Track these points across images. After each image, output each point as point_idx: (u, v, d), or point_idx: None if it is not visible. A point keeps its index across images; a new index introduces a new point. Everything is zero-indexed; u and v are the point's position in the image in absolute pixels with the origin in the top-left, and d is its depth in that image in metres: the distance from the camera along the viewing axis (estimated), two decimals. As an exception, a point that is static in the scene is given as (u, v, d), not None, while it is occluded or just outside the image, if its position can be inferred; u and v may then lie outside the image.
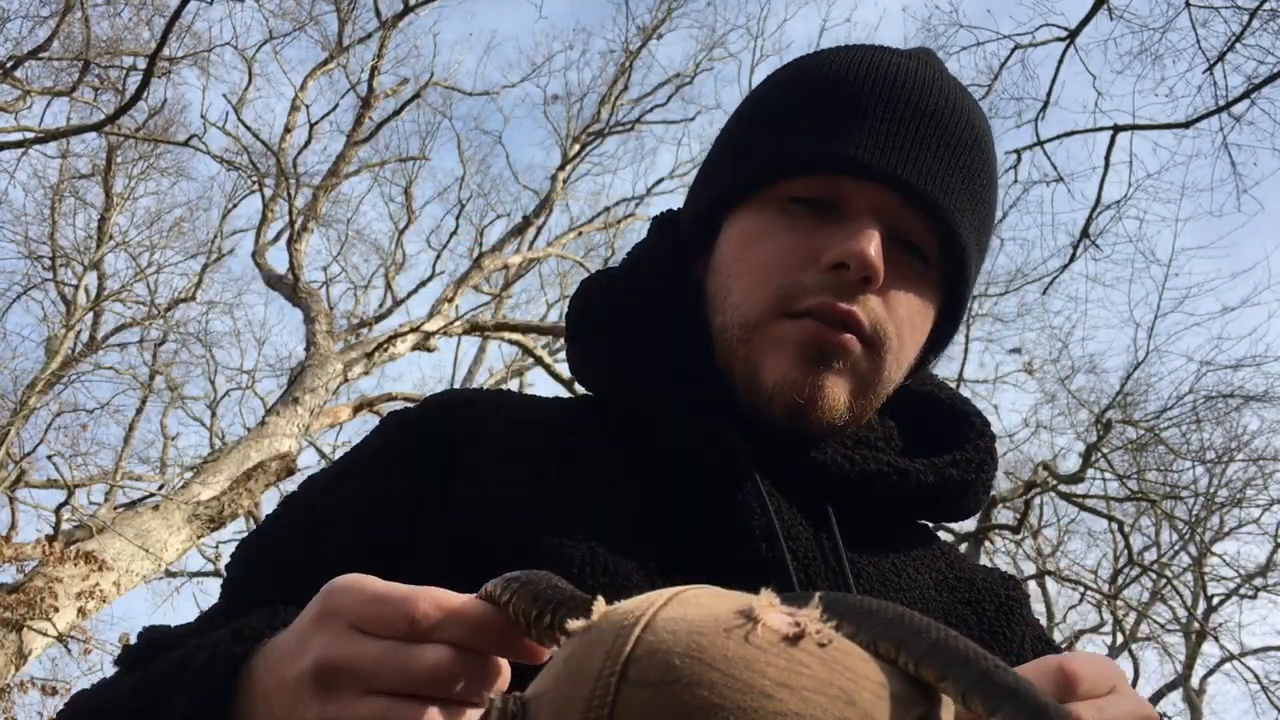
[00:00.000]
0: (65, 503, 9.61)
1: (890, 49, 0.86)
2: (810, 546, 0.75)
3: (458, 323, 10.05)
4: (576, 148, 13.23)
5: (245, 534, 0.85)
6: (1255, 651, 11.80)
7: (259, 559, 0.80)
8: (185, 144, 9.41)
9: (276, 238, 11.31)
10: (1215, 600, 12.38)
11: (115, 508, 9.86)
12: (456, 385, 13.26)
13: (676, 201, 0.99)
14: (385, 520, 0.77)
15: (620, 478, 0.78)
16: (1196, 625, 11.53)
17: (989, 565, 0.91)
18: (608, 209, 13.94)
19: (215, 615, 0.76)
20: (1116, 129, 7.83)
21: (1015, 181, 9.20)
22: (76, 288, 12.04)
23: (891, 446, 0.86)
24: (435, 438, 0.80)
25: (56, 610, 5.77)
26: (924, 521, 0.89)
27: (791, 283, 0.78)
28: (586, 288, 0.91)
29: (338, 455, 0.96)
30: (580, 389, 0.93)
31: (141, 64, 8.75)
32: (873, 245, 0.76)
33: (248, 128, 11.20)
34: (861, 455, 0.81)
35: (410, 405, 0.88)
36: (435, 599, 0.50)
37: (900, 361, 0.82)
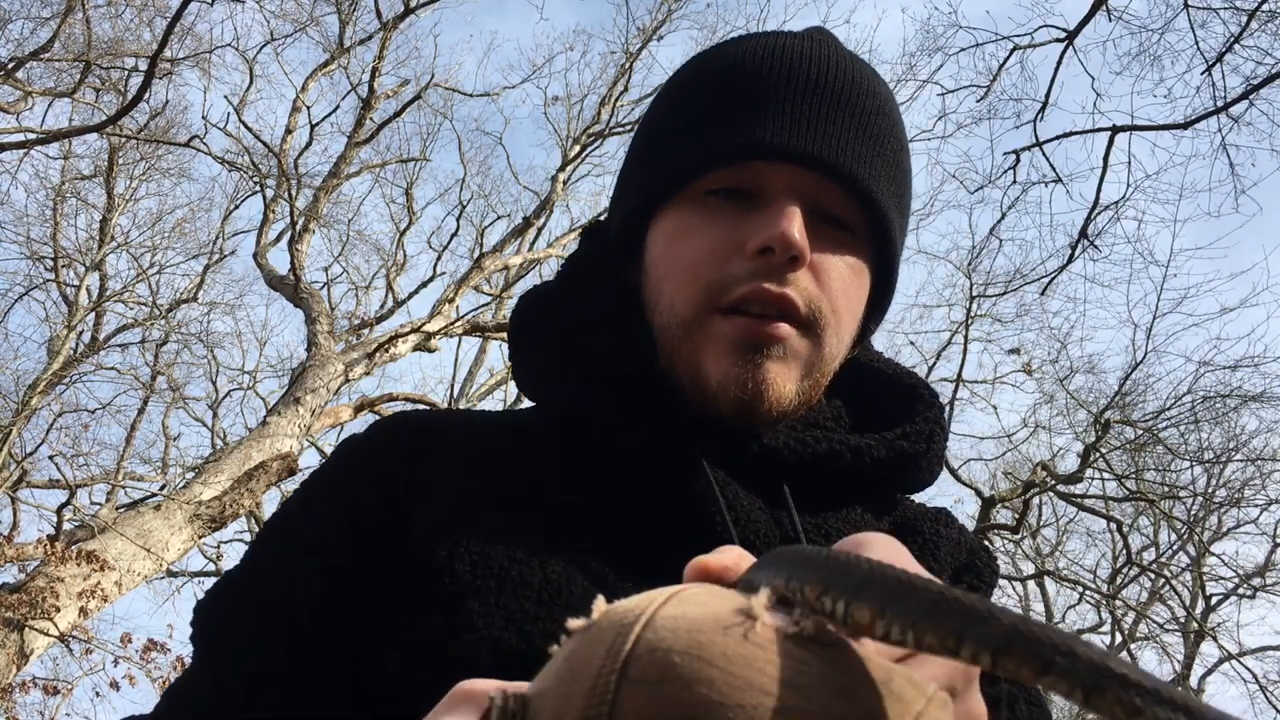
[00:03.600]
0: (67, 503, 9.59)
1: (785, 32, 0.86)
2: (769, 527, 0.75)
3: (459, 323, 10.04)
4: (577, 149, 13.23)
5: (210, 587, 0.83)
6: (1254, 651, 11.83)
7: (233, 618, 0.78)
8: (187, 145, 9.41)
9: (278, 238, 11.32)
10: (1214, 600, 12.38)
11: (117, 508, 9.86)
12: (458, 386, 13.27)
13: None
14: (356, 555, 0.76)
15: (573, 485, 0.78)
16: (1195, 625, 11.52)
17: (931, 508, 0.91)
18: (606, 210, 13.90)
19: (194, 685, 0.75)
20: (1115, 130, 7.83)
21: (1014, 182, 9.19)
22: (78, 288, 12.05)
23: (841, 425, 0.86)
24: (389, 468, 0.80)
25: (58, 610, 5.78)
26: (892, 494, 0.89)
27: (720, 275, 0.78)
28: (523, 302, 0.92)
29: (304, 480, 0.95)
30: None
31: (143, 65, 8.75)
32: (795, 225, 0.76)
33: (249, 129, 11.21)
34: (813, 436, 0.81)
35: (361, 432, 0.87)
36: None
37: (840, 335, 0.82)
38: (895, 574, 0.37)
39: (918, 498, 0.94)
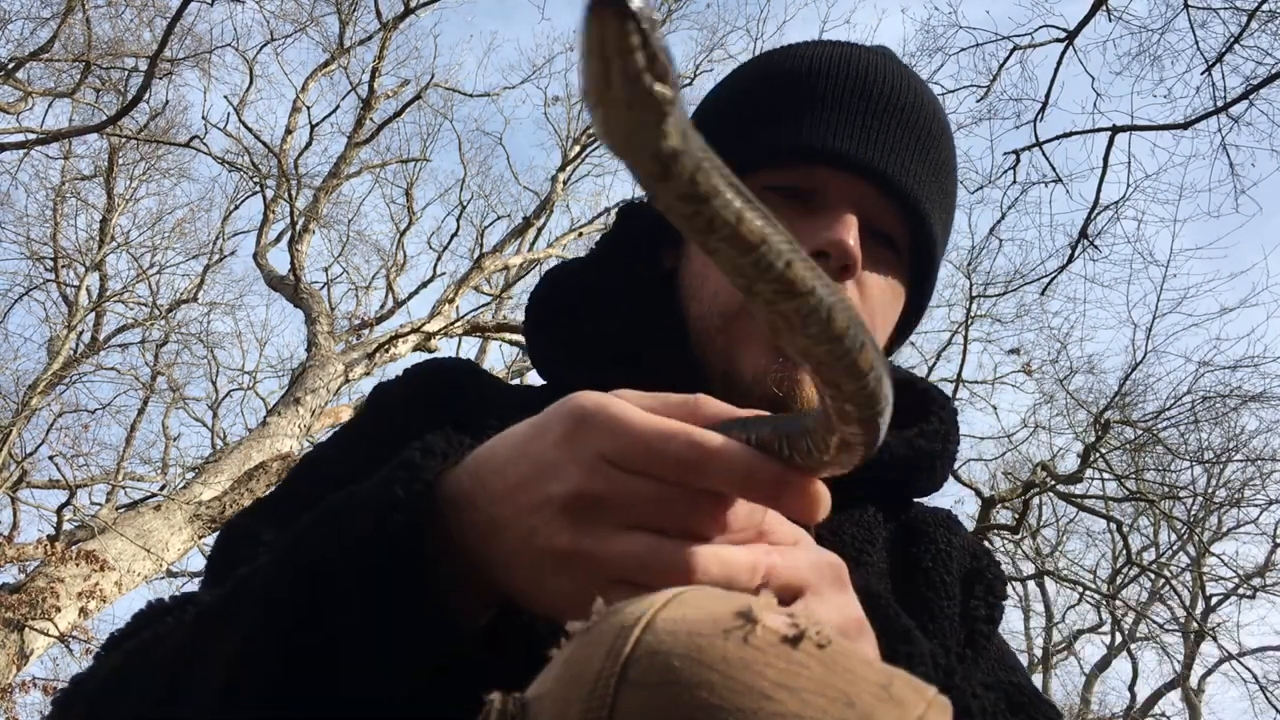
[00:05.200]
0: (67, 503, 9.60)
1: (855, 44, 0.87)
2: None
3: (459, 323, 10.04)
4: (577, 149, 13.23)
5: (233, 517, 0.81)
6: (1254, 652, 11.81)
7: (251, 535, 0.75)
8: (187, 145, 9.44)
9: (278, 239, 11.32)
10: (1214, 600, 12.38)
11: (117, 508, 9.86)
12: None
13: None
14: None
15: None
16: (1195, 625, 11.52)
17: (936, 510, 0.91)
18: (608, 210, 13.91)
19: (199, 593, 0.72)
20: (1115, 130, 7.83)
21: (1014, 182, 9.20)
22: (78, 288, 12.05)
23: None
24: (450, 395, 0.81)
25: (58, 610, 5.77)
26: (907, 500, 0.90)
27: None
28: (552, 276, 0.91)
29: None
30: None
31: (143, 65, 8.75)
32: (852, 234, 0.77)
33: (249, 129, 11.22)
34: None
35: (409, 370, 0.87)
36: (695, 443, 0.46)
37: None
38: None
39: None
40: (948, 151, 0.85)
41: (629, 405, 0.49)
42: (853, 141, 0.79)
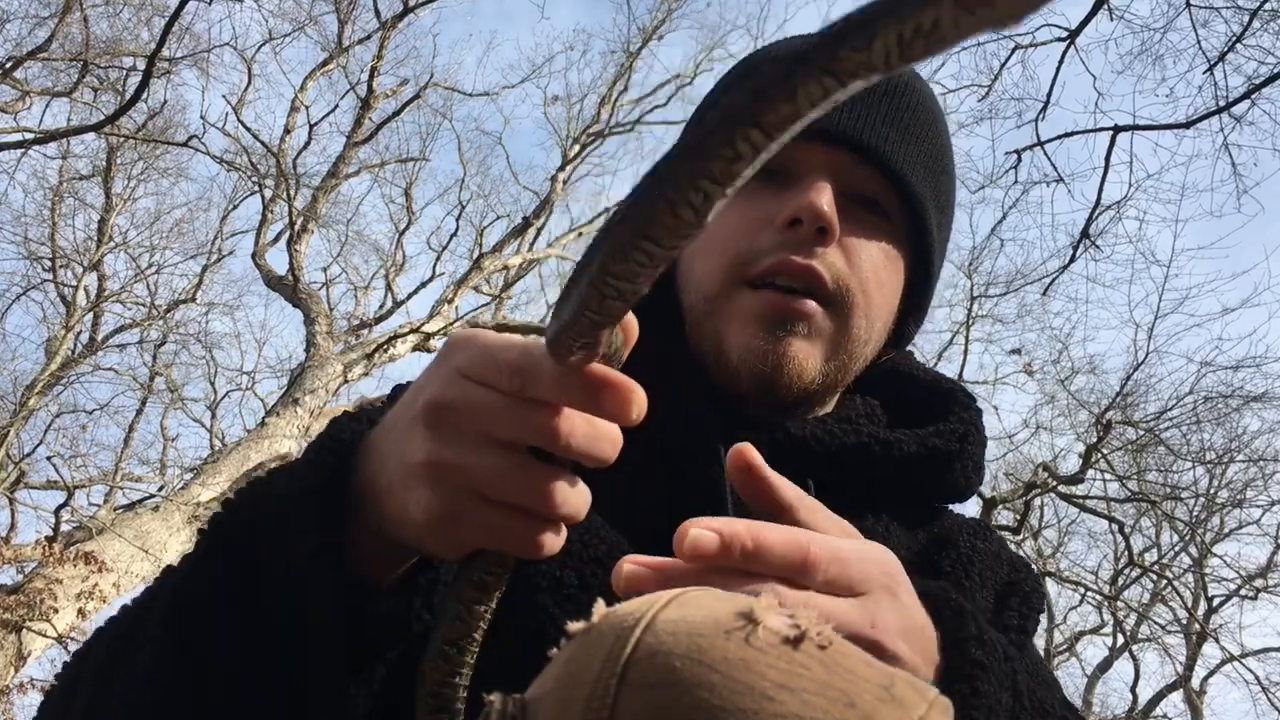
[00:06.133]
0: (65, 504, 9.63)
1: None
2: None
3: (458, 324, 10.05)
4: (577, 149, 13.26)
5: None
6: (1256, 653, 11.82)
7: None
8: (185, 145, 9.43)
9: (276, 239, 11.33)
10: (1216, 601, 12.39)
11: (115, 509, 9.88)
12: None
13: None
14: None
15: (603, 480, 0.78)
16: (1197, 626, 11.54)
17: (970, 520, 0.90)
18: (608, 210, 13.94)
19: None
20: (1116, 129, 7.83)
21: (1015, 182, 9.23)
22: (76, 289, 12.06)
23: (875, 421, 0.85)
24: None
25: (56, 611, 5.78)
26: (934, 504, 0.88)
27: (748, 248, 0.78)
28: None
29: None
30: None
31: (141, 65, 8.75)
32: (824, 197, 0.76)
33: (247, 128, 11.22)
34: (841, 429, 0.80)
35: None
36: (527, 352, 0.49)
37: (870, 319, 0.82)
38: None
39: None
40: (928, 117, 0.84)
41: (490, 333, 0.52)
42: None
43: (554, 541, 0.52)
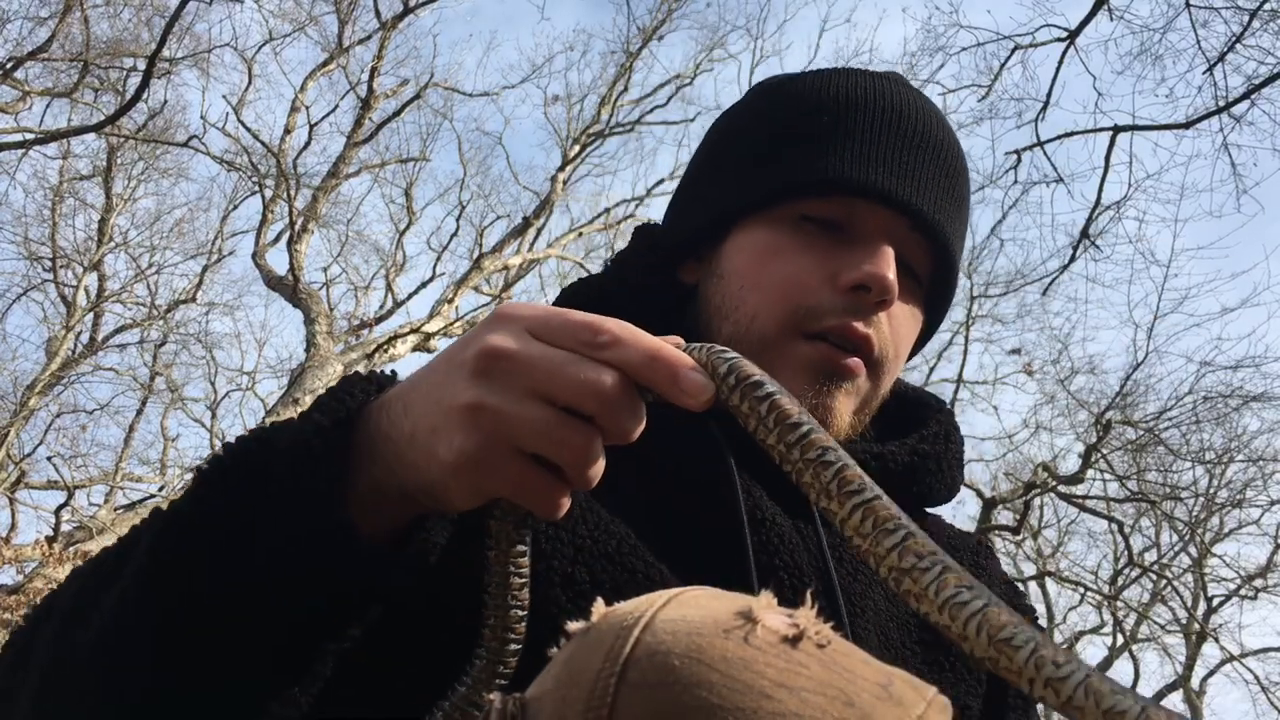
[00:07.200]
0: (65, 504, 9.62)
1: (870, 72, 0.90)
2: (791, 535, 0.77)
3: (458, 324, 10.05)
4: (577, 149, 13.24)
5: None
6: (1255, 653, 11.82)
7: None
8: (185, 145, 9.46)
9: (277, 239, 11.33)
10: (1215, 601, 12.38)
11: (115, 509, 9.87)
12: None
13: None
14: None
15: (614, 478, 0.79)
16: (1196, 626, 11.54)
17: (968, 535, 0.96)
18: (608, 210, 13.95)
19: None
20: (1116, 129, 7.83)
21: (1015, 182, 9.24)
22: (76, 289, 12.07)
23: (865, 437, 0.89)
24: None
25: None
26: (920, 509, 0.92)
27: (811, 302, 0.81)
28: (573, 290, 0.93)
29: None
30: None
31: (141, 65, 8.75)
32: (892, 269, 0.80)
33: (248, 129, 11.23)
34: (845, 449, 0.82)
35: None
36: (598, 319, 0.51)
37: (893, 377, 0.87)
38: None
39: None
40: (966, 185, 0.89)
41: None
42: (892, 178, 0.82)
43: (566, 505, 0.53)
